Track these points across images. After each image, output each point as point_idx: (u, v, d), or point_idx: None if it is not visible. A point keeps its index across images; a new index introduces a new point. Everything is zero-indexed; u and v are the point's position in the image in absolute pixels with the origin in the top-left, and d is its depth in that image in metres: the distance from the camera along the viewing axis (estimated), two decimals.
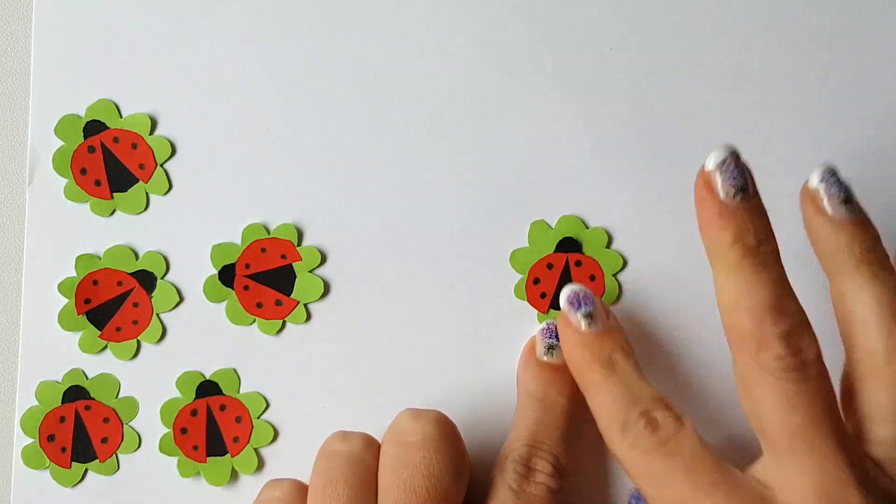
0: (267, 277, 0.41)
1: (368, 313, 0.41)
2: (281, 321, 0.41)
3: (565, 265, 0.41)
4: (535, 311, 0.41)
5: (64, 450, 0.41)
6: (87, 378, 0.41)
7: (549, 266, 0.41)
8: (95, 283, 0.41)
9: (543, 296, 0.41)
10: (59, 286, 0.41)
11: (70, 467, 0.41)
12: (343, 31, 0.42)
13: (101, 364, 0.41)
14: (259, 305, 0.41)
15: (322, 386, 0.41)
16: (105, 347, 0.41)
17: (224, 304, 0.41)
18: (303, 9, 0.42)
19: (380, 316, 0.41)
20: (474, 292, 0.41)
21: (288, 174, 0.41)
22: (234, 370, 0.41)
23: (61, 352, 0.41)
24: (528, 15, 0.42)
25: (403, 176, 0.41)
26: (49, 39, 0.41)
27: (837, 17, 0.42)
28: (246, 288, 0.41)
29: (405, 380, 0.41)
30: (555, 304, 0.41)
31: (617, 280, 0.41)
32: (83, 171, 0.41)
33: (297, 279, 0.41)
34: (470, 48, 0.42)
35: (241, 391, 0.41)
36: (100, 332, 0.41)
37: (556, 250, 0.41)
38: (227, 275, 0.41)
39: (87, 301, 0.41)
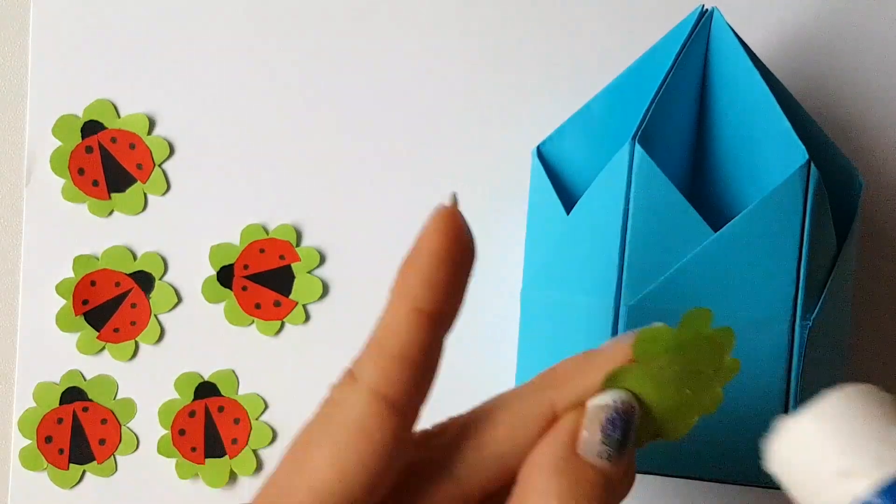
0: (265, 278, 0.41)
1: (367, 314, 0.41)
2: (280, 322, 0.41)
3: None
4: None
5: (62, 451, 0.41)
6: (84, 379, 0.41)
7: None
8: (93, 283, 0.41)
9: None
10: (57, 287, 0.41)
11: (68, 469, 0.41)
12: (342, 32, 0.41)
13: (99, 365, 0.41)
14: (258, 306, 0.41)
15: (321, 387, 0.41)
16: (103, 348, 0.41)
17: (222, 304, 0.41)
18: (301, 9, 0.42)
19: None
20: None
21: (287, 175, 0.41)
22: (233, 371, 0.41)
23: (59, 353, 0.41)
24: (530, 16, 0.42)
25: (402, 176, 0.41)
26: (47, 39, 0.41)
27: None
28: (244, 289, 0.41)
29: None
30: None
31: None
32: (81, 172, 0.41)
33: (295, 280, 0.41)
34: (470, 49, 0.42)
35: (240, 392, 0.41)
36: (98, 333, 0.41)
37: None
38: (225, 275, 0.41)
39: (85, 302, 0.41)
